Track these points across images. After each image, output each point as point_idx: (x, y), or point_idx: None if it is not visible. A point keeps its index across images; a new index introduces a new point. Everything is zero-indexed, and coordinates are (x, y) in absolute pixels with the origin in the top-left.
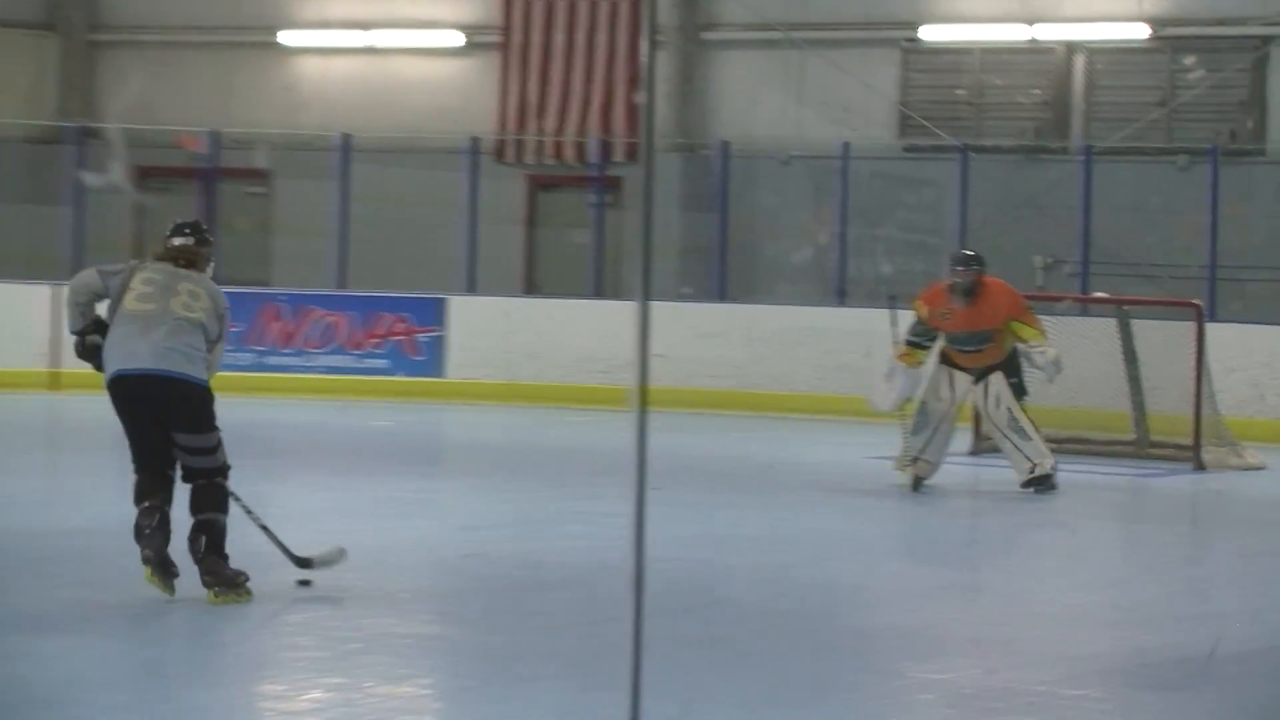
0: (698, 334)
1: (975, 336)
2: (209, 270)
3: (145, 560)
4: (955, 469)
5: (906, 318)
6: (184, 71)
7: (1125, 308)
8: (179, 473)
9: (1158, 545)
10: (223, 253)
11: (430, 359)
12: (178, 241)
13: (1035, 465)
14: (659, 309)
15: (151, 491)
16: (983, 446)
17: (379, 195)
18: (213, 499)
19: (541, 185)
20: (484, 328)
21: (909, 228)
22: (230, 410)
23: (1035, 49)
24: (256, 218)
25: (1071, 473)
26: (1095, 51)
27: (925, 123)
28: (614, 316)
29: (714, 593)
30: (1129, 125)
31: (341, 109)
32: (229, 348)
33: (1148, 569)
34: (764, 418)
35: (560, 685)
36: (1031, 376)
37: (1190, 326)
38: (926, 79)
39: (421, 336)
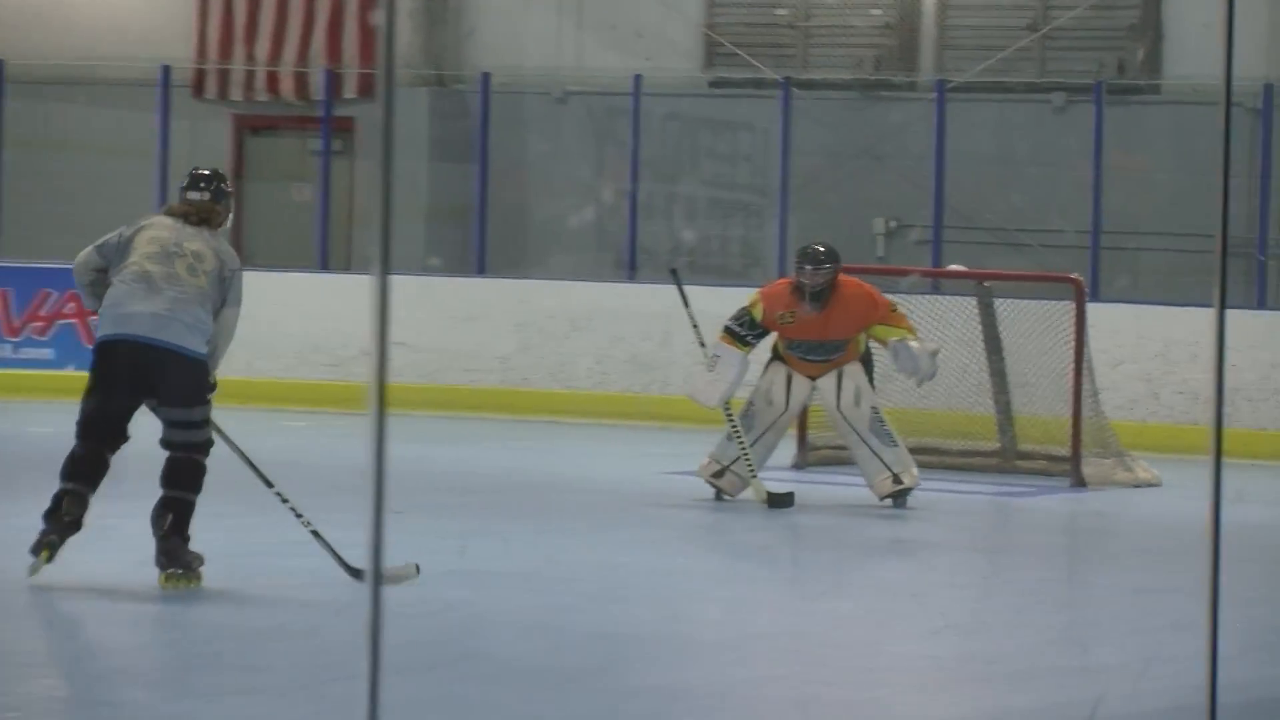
0: (451, 317)
1: (825, 346)
2: (226, 223)
3: (46, 545)
4: (775, 488)
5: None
6: None
7: (987, 284)
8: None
9: (1027, 581)
10: None
11: None
12: (192, 196)
13: (897, 475)
14: (402, 285)
15: (85, 475)
16: (809, 459)
17: (40, 138)
18: (189, 476)
19: (252, 128)
20: None
21: (717, 183)
22: None
23: None
24: None
25: (921, 491)
26: None
27: (737, 50)
28: (345, 295)
29: (470, 644)
30: (992, 55)
31: None
32: None
33: (1014, 611)
34: (535, 422)
35: None
36: (886, 378)
37: (1068, 307)
38: None
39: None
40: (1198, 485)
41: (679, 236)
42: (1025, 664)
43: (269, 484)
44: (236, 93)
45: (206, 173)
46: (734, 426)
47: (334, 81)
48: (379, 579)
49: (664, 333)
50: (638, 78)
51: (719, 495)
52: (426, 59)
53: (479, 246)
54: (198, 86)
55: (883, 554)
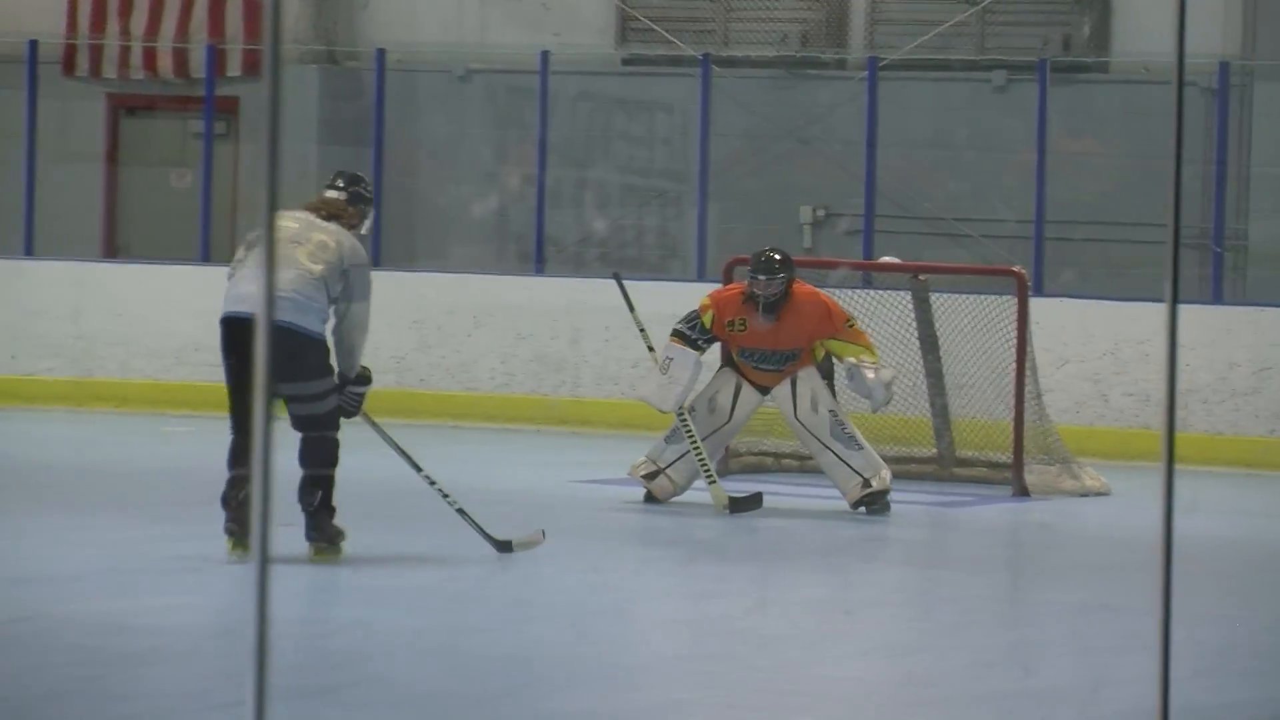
0: None
1: (777, 355)
2: (364, 227)
3: (229, 531)
4: (699, 496)
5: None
6: None
7: (923, 277)
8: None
9: (966, 598)
10: None
11: None
12: (329, 194)
13: (866, 479)
14: None
15: (243, 459)
16: (730, 467)
17: None
18: (322, 452)
19: (128, 108)
20: (47, 304)
21: (631, 168)
22: None
23: None
24: None
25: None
26: None
27: (653, 25)
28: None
29: (365, 668)
30: (927, 30)
31: None
32: None
33: (953, 630)
34: (434, 427)
35: None
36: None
37: (1010, 302)
38: None
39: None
40: (1148, 494)
41: (590, 226)
42: (964, 688)
43: (417, 468)
44: (110, 70)
45: (347, 174)
46: (689, 431)
47: (216, 58)
48: (264, 596)
49: (573, 330)
50: (545, 54)
51: (648, 497)
52: (317, 34)
53: (374, 237)
54: (68, 63)
55: (812, 569)
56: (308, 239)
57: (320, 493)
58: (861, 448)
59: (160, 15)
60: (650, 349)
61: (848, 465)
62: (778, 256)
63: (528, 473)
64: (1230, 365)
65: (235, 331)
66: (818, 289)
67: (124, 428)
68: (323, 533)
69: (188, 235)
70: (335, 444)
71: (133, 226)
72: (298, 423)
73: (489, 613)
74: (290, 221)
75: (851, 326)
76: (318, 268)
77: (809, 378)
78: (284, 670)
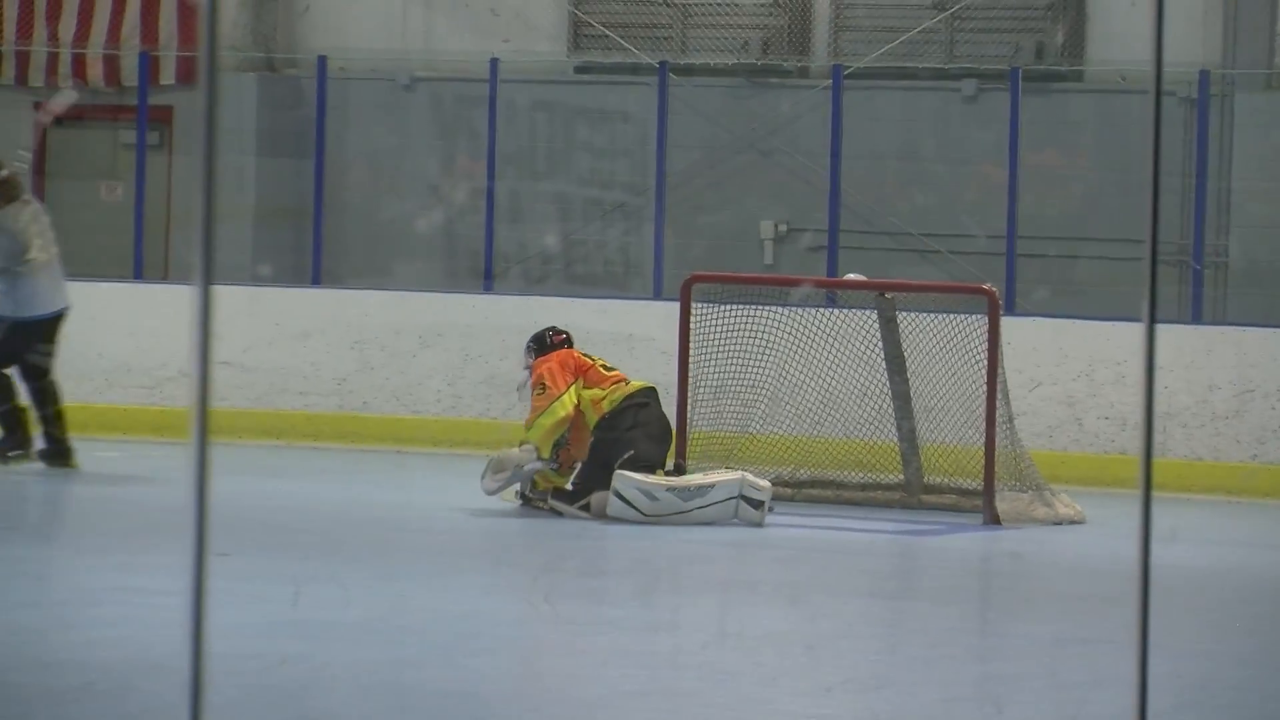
0: (284, 333)
1: None
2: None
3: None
4: (658, 526)
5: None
6: None
7: (889, 295)
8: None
9: (933, 631)
10: None
11: None
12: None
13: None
14: (227, 296)
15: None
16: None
17: None
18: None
19: (57, 118)
20: None
21: (586, 181)
22: None
23: None
24: None
25: (813, 529)
26: None
27: (608, 31)
28: (162, 308)
29: (306, 704)
30: (894, 37)
31: None
32: None
33: (920, 665)
34: (378, 452)
35: None
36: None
37: (980, 321)
38: None
39: None
40: (1125, 522)
41: (542, 242)
42: None
43: None
44: (38, 78)
45: None
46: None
47: (149, 66)
48: (200, 629)
49: (522, 350)
50: (494, 62)
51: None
52: (255, 40)
53: (314, 253)
54: None
55: (772, 600)
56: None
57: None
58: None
59: (90, 20)
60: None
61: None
62: (532, 337)
63: (474, 500)
64: (1210, 388)
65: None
66: (553, 355)
67: None
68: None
69: (119, 251)
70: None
71: (61, 242)
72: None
73: (433, 646)
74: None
75: (542, 394)
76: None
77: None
78: (220, 708)
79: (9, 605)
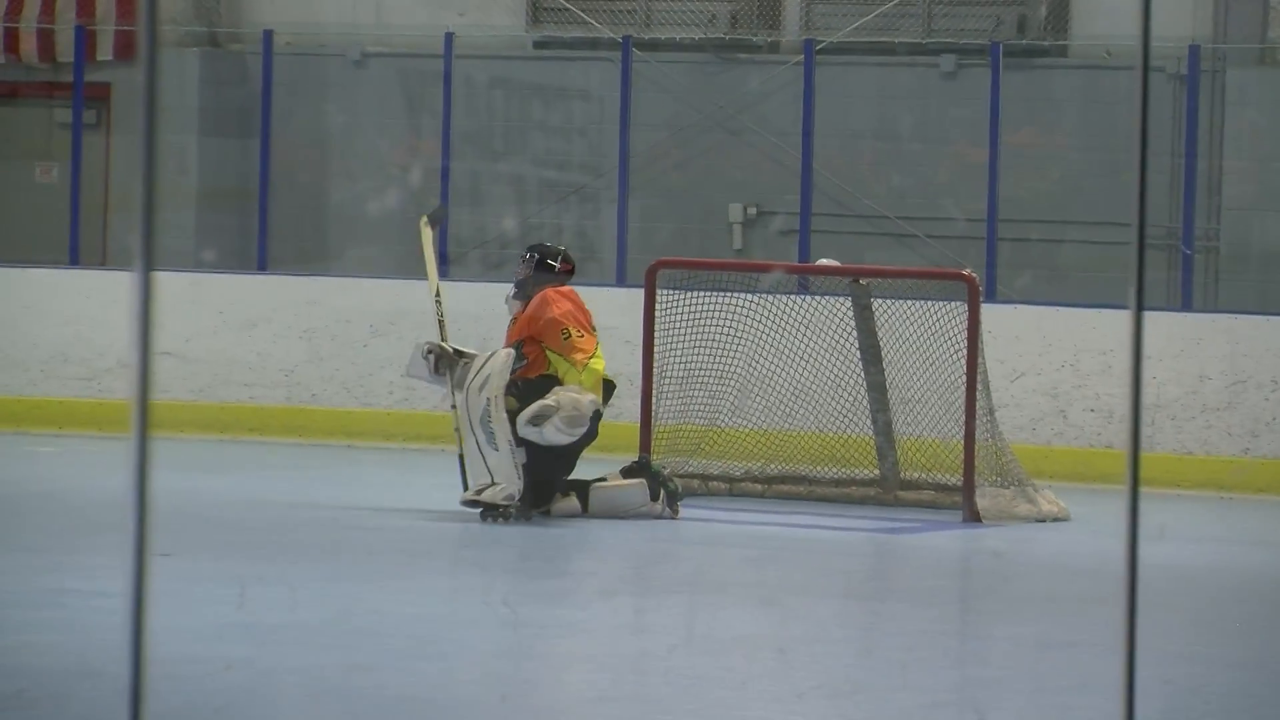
0: (228, 322)
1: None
2: None
3: None
4: (623, 524)
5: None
6: None
7: (864, 281)
8: None
9: (911, 633)
10: None
11: None
12: None
13: (485, 488)
14: (169, 283)
15: None
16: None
17: None
18: None
19: None
20: None
21: (546, 161)
22: None
23: None
24: None
25: (784, 526)
26: None
27: (569, 5)
28: (100, 295)
29: (252, 711)
30: (869, 10)
31: None
32: None
33: (897, 669)
34: (327, 446)
35: None
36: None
37: (960, 309)
38: None
39: None
40: (1111, 519)
41: (500, 224)
42: None
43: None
44: None
45: None
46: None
47: (86, 41)
48: (140, 633)
49: (481, 340)
50: (449, 36)
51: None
52: (197, 14)
53: (260, 237)
54: None
55: (742, 601)
56: None
57: None
58: (497, 450)
59: None
60: (441, 320)
61: (483, 460)
62: (540, 245)
63: (429, 497)
64: (1201, 378)
65: None
66: (568, 293)
67: None
68: None
69: (54, 235)
70: None
71: None
72: None
73: (385, 650)
74: None
75: (568, 339)
76: None
77: (497, 361)
78: (162, 715)
79: None
